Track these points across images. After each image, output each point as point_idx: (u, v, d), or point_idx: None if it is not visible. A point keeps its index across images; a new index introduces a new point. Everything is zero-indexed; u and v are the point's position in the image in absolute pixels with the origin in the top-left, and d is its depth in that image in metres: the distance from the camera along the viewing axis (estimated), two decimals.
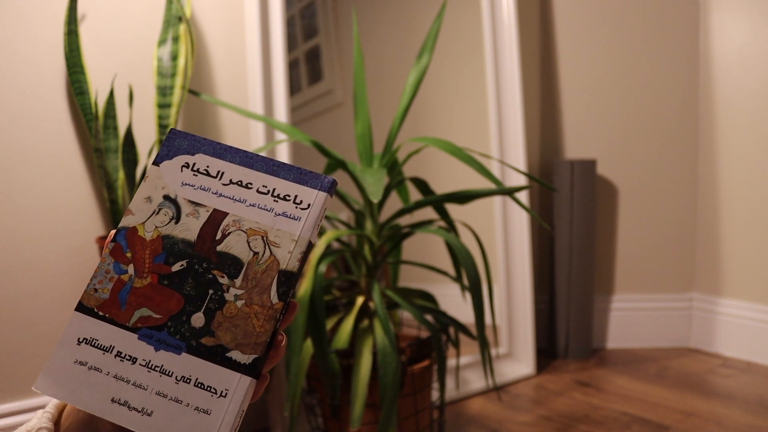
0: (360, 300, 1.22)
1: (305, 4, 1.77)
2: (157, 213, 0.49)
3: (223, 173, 0.51)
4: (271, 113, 1.36)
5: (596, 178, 1.83)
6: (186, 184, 0.50)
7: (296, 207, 0.50)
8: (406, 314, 1.50)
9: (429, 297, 1.29)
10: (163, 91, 1.20)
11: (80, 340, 0.46)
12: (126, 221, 0.49)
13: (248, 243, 0.49)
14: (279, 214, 0.49)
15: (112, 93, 1.19)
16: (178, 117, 1.21)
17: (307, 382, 1.22)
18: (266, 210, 0.50)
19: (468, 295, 1.65)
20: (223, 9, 1.36)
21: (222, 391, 0.44)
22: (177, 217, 0.49)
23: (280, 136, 1.37)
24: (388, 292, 1.22)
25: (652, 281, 1.93)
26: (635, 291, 1.93)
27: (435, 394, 1.41)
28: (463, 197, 1.16)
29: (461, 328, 1.21)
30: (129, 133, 1.20)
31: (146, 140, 1.28)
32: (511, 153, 1.72)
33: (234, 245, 0.48)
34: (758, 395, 1.51)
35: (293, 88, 1.69)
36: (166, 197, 0.50)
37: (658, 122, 1.88)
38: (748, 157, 1.77)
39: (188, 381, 0.45)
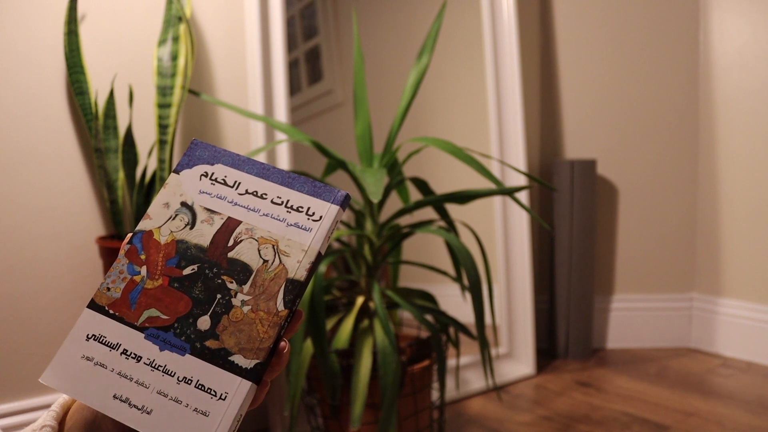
0: (360, 300, 1.22)
1: (305, 4, 1.77)
2: (174, 218, 0.51)
3: (239, 183, 0.52)
4: (271, 113, 1.36)
5: (596, 178, 1.83)
6: (203, 192, 0.52)
7: (308, 218, 0.51)
8: (406, 314, 1.50)
9: (429, 297, 1.29)
10: (163, 91, 1.20)
11: (89, 336, 0.47)
12: (143, 225, 0.51)
13: (259, 251, 0.50)
14: (291, 225, 0.51)
15: (112, 93, 1.19)
16: (178, 117, 1.21)
17: (307, 382, 1.22)
18: (279, 220, 0.51)
19: (468, 295, 1.65)
20: (223, 9, 1.36)
21: (222, 394, 0.45)
22: (192, 223, 0.51)
23: (280, 136, 1.37)
24: (388, 292, 1.22)
25: (652, 281, 1.93)
26: (635, 291, 1.93)
27: (435, 394, 1.41)
28: (463, 197, 1.16)
29: (461, 328, 1.21)
30: (129, 133, 1.20)
31: (146, 140, 1.28)
32: (511, 153, 1.72)
33: (245, 252, 0.50)
34: (758, 395, 1.51)
35: (293, 88, 1.69)
36: (184, 204, 0.52)
37: (658, 122, 1.88)
38: (748, 157, 1.77)
39: (189, 382, 0.45)
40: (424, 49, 1.26)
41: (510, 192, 1.12)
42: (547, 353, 1.88)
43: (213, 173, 0.53)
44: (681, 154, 1.89)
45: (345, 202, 0.52)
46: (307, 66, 1.79)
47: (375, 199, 0.94)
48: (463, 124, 1.87)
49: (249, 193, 0.52)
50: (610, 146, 1.90)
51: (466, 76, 1.84)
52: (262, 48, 1.34)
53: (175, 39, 1.20)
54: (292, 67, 1.74)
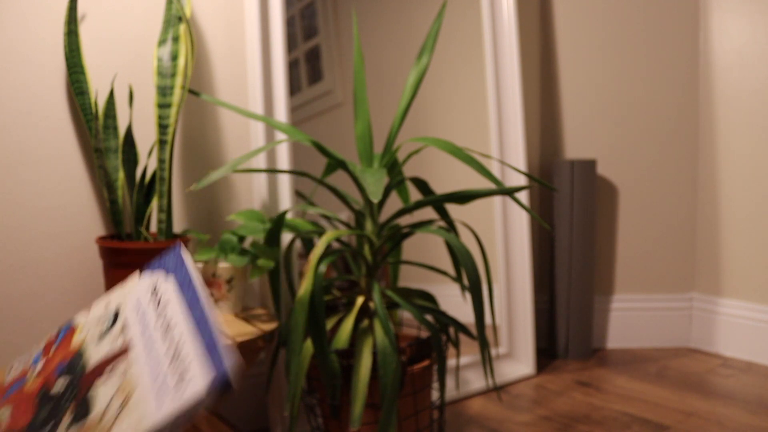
0: (360, 300, 1.22)
1: (305, 4, 1.77)
2: (99, 322, 0.50)
3: (167, 305, 0.50)
4: (271, 113, 1.36)
5: (596, 178, 1.83)
6: (136, 309, 0.51)
7: (177, 383, 0.47)
8: (406, 314, 1.50)
9: (429, 297, 1.29)
10: (163, 91, 1.20)
11: None
12: (78, 316, 0.51)
13: (112, 397, 0.47)
14: (160, 381, 0.47)
15: (112, 93, 1.19)
16: (178, 117, 1.21)
17: (307, 382, 1.22)
18: (156, 369, 0.48)
19: (468, 295, 1.65)
20: (223, 9, 1.36)
21: None
22: (104, 335, 0.50)
23: (280, 136, 1.37)
24: (388, 292, 1.22)
25: (652, 281, 1.93)
26: (635, 291, 1.93)
27: (435, 394, 1.41)
28: (463, 197, 1.16)
29: (461, 328, 1.21)
30: (129, 133, 1.20)
31: (146, 140, 1.28)
32: (511, 153, 1.72)
33: (102, 391, 0.47)
34: (758, 395, 1.51)
35: (293, 88, 1.69)
36: (115, 313, 0.51)
37: (658, 122, 1.88)
38: (748, 157, 1.77)
39: None
40: (424, 49, 1.26)
41: (510, 192, 1.12)
42: (547, 353, 1.88)
43: (160, 291, 0.51)
44: (681, 154, 1.89)
45: (219, 383, 0.46)
46: (307, 66, 1.79)
47: (375, 199, 0.94)
48: (463, 124, 1.87)
49: (163, 324, 0.49)
50: (610, 146, 1.90)
51: (466, 76, 1.84)
52: (262, 48, 1.34)
53: (175, 39, 1.20)
54: (292, 67, 1.74)
